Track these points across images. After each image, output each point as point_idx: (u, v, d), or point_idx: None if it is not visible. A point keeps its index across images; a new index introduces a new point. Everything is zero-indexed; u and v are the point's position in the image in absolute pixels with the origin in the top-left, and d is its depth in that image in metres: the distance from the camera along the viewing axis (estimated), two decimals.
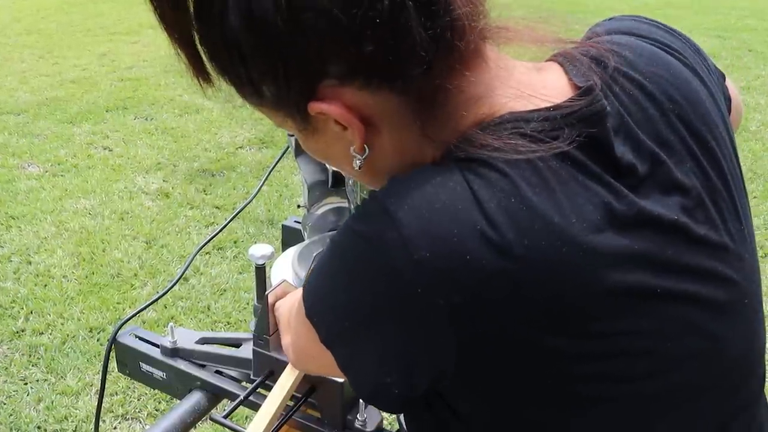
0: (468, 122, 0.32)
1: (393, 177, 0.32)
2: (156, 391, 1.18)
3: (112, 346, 0.68)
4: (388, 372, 0.32)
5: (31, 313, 1.56)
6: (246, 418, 1.21)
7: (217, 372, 0.63)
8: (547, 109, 0.31)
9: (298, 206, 0.86)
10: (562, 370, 0.31)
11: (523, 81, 0.33)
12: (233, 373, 0.63)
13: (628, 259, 0.30)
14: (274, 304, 0.55)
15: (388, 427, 0.58)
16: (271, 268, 0.71)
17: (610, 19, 0.41)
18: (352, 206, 0.70)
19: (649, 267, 0.31)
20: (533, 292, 0.29)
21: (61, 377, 1.35)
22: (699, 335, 0.33)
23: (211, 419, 0.55)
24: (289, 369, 0.54)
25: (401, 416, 0.52)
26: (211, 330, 1.50)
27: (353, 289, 0.31)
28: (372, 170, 0.35)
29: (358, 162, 0.34)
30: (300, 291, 0.53)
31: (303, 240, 0.77)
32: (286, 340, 0.48)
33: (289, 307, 0.50)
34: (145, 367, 0.66)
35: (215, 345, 0.66)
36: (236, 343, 0.65)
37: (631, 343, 0.31)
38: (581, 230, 0.29)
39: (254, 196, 0.89)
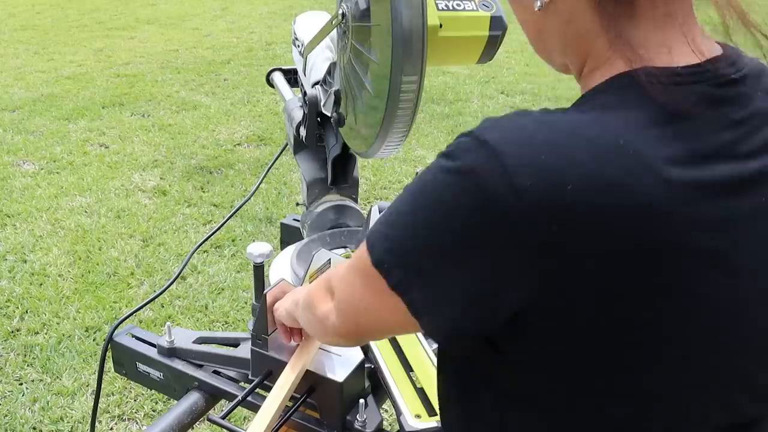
0: (654, 52, 0.33)
1: (489, 118, 0.32)
2: (153, 391, 1.18)
3: (109, 346, 0.67)
4: (469, 310, 0.32)
5: (27, 312, 1.54)
6: (244, 418, 1.20)
7: (215, 372, 0.63)
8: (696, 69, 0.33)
9: (297, 204, 0.86)
10: (643, 324, 0.31)
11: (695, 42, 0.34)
12: (231, 373, 0.62)
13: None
14: (272, 304, 0.54)
15: (389, 428, 0.58)
16: (269, 266, 0.70)
17: None
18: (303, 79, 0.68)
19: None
20: (632, 230, 0.29)
21: (57, 377, 1.34)
22: None
23: (209, 420, 0.54)
24: (288, 368, 0.53)
25: (402, 417, 0.52)
26: (209, 329, 1.48)
27: (440, 224, 0.31)
28: (542, 25, 0.37)
29: (538, 3, 0.35)
30: (299, 288, 0.52)
31: (302, 238, 0.77)
32: (320, 308, 0.43)
33: (293, 301, 0.50)
34: (141, 367, 0.66)
35: (213, 345, 0.65)
36: (234, 343, 0.65)
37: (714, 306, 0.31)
38: (686, 172, 0.30)
39: (252, 194, 0.88)
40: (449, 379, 0.40)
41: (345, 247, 0.73)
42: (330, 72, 0.73)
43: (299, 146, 0.80)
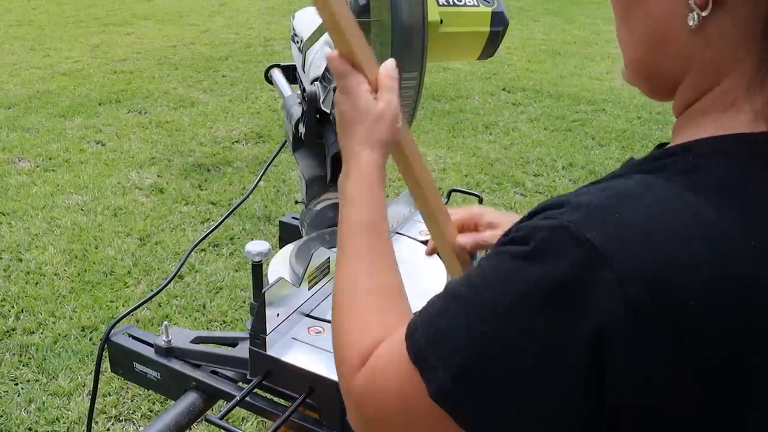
0: None
1: (570, 202, 0.26)
2: (150, 391, 1.17)
3: (105, 346, 0.66)
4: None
5: (22, 311, 1.53)
6: (242, 419, 1.19)
7: (213, 372, 0.62)
8: None
9: (296, 202, 0.85)
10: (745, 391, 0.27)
11: None
12: (229, 373, 0.62)
13: None
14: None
15: None
16: (267, 265, 0.69)
17: None
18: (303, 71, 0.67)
19: None
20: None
21: (53, 377, 1.33)
22: None
23: (207, 420, 0.54)
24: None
25: None
26: (207, 329, 1.48)
27: (531, 345, 0.25)
28: (669, 36, 0.29)
29: (695, 16, 0.28)
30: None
31: (301, 236, 0.76)
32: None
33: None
34: (138, 366, 0.65)
35: (211, 344, 0.65)
36: (232, 343, 0.64)
37: None
38: None
39: (251, 192, 0.87)
40: None
41: None
42: (329, 68, 0.72)
43: (298, 143, 0.80)
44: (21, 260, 1.73)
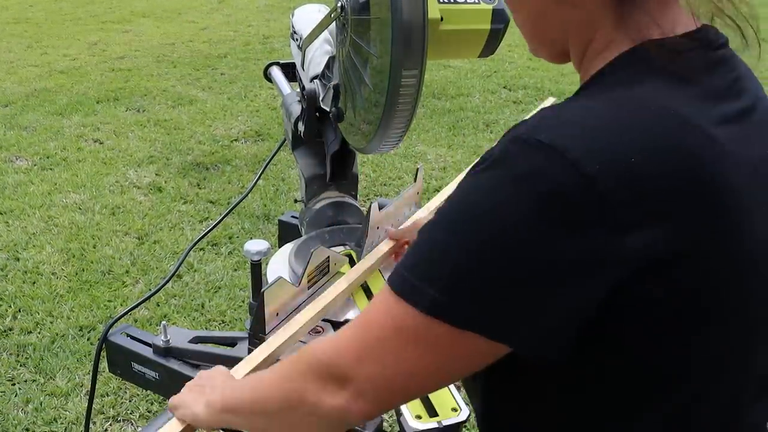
0: (655, 29, 0.34)
1: (521, 122, 0.32)
2: (148, 392, 1.16)
3: (103, 346, 0.66)
4: (554, 312, 0.30)
5: (19, 311, 1.52)
6: None
7: None
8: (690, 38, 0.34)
9: (295, 201, 0.85)
10: (718, 270, 0.31)
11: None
12: None
13: None
14: (175, 406, 0.45)
15: (389, 429, 0.57)
16: (267, 264, 0.69)
17: None
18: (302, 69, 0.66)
19: None
20: (699, 183, 0.30)
21: (50, 378, 1.32)
22: None
23: None
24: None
25: (402, 418, 0.51)
26: (206, 329, 1.47)
27: (509, 239, 0.29)
28: (545, 10, 0.37)
29: None
30: (215, 383, 0.44)
31: (300, 235, 0.76)
32: (324, 404, 0.33)
33: (213, 403, 0.41)
34: (137, 366, 0.65)
35: (209, 344, 0.64)
36: (231, 343, 0.64)
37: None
38: (720, 129, 0.32)
39: (250, 191, 0.87)
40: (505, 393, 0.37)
41: (344, 245, 0.72)
42: (329, 66, 0.72)
43: (297, 142, 0.79)
44: (18, 259, 1.72)
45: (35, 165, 2.31)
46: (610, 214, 0.29)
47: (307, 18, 0.77)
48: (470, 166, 0.34)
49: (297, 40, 0.78)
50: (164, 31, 4.20)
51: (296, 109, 0.77)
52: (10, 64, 3.46)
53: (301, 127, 0.76)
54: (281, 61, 0.88)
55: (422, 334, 0.30)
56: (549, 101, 0.95)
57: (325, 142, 0.75)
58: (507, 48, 3.80)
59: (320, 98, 0.72)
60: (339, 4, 0.61)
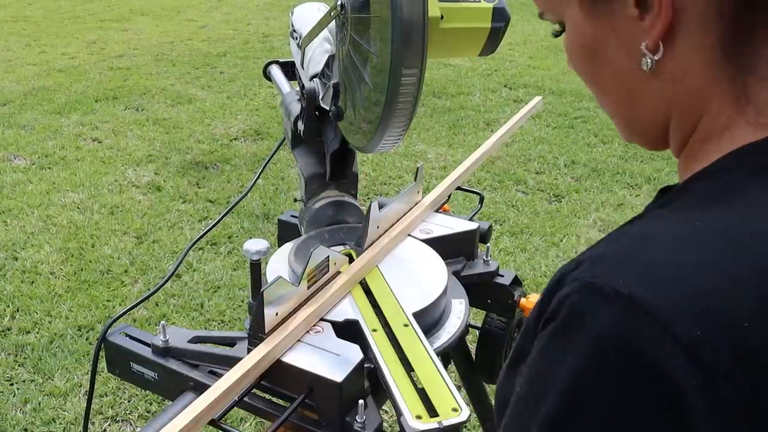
0: None
1: (590, 256, 0.24)
2: (147, 392, 1.15)
3: (102, 346, 0.66)
4: None
5: (18, 311, 1.52)
6: (241, 419, 1.19)
7: (211, 372, 0.61)
8: None
9: (295, 200, 0.84)
10: None
11: None
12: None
13: None
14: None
15: (389, 430, 0.57)
16: (266, 264, 0.69)
17: None
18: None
19: None
20: None
21: (49, 378, 1.32)
22: None
23: None
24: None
25: (402, 418, 0.51)
26: (205, 328, 1.47)
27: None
28: (636, 85, 0.29)
29: (648, 61, 0.28)
30: None
31: (300, 235, 0.75)
32: None
33: None
34: (135, 367, 0.64)
35: (209, 344, 0.64)
36: (231, 342, 0.63)
37: None
38: None
39: (249, 190, 0.87)
40: None
41: (344, 244, 0.72)
42: (329, 65, 0.71)
43: (297, 141, 0.79)
44: (16, 259, 1.71)
45: (33, 164, 2.30)
46: (716, 404, 0.22)
47: (306, 16, 0.77)
48: (537, 315, 0.26)
49: (296, 38, 0.78)
50: (163, 30, 4.19)
51: (296, 108, 0.77)
52: (9, 63, 3.45)
53: (300, 125, 0.75)
54: (281, 60, 0.87)
55: None
56: (535, 101, 0.92)
57: (325, 141, 0.75)
58: (507, 47, 3.80)
59: (320, 97, 0.72)
60: (339, 3, 0.60)
